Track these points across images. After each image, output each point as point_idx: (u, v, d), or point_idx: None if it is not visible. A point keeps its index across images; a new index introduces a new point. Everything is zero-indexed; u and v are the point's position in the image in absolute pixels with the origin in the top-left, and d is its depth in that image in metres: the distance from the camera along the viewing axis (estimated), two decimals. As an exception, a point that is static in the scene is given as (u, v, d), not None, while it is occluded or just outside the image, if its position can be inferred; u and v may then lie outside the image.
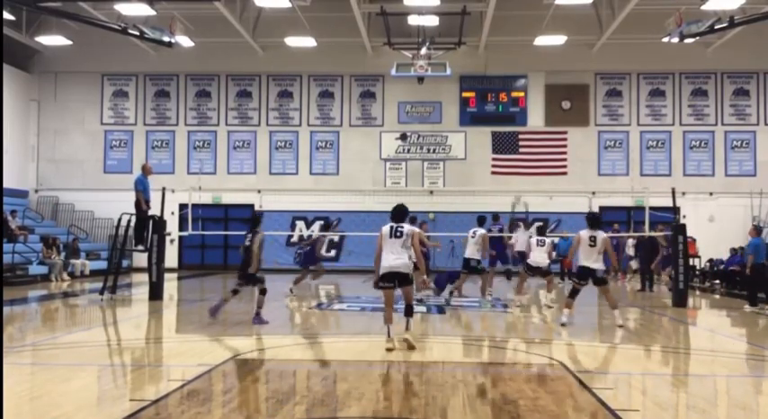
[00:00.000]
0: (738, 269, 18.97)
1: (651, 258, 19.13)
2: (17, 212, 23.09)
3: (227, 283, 21.99)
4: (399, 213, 9.50)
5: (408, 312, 9.49)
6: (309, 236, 18.99)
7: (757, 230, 15.58)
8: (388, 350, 8.86)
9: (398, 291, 9.51)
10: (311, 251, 16.79)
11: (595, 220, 11.72)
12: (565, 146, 26.28)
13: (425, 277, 11.03)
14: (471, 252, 14.56)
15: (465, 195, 24.96)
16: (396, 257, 9.09)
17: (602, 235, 11.55)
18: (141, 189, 15.73)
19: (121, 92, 27.24)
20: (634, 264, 21.97)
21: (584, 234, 11.52)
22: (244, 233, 12.42)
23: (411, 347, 9.00)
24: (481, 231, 14.68)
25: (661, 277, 20.99)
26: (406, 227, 9.34)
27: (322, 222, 25.83)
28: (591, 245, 11.41)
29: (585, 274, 11.49)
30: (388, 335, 9.10)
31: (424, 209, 25.97)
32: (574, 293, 11.66)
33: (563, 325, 11.37)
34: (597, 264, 11.42)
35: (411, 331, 9.41)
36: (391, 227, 9.28)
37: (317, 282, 18.49)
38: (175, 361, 8.64)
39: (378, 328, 11.28)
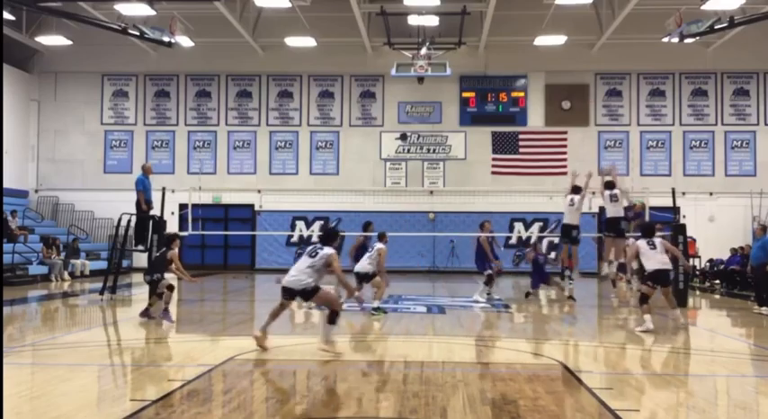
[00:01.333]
0: (739, 269, 18.98)
1: None
2: (17, 213, 23.09)
3: (226, 283, 22.02)
4: (327, 237, 9.35)
5: (330, 319, 8.84)
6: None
7: (764, 229, 15.23)
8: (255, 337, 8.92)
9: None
10: None
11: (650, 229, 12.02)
12: (565, 146, 26.28)
13: (357, 293, 10.26)
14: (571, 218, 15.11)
15: (465, 195, 24.97)
16: (294, 274, 8.91)
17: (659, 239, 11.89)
18: (141, 189, 15.72)
19: (121, 92, 27.25)
20: (634, 264, 21.90)
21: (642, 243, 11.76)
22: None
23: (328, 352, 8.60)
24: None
25: None
26: (325, 250, 9.00)
27: (322, 222, 25.93)
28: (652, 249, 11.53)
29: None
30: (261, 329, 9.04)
31: (424, 209, 26.04)
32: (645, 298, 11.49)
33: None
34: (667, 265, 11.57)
35: (329, 341, 8.79)
36: (313, 246, 9.23)
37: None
38: (175, 361, 8.65)
39: (377, 328, 11.29)
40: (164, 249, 12.72)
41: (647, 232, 11.88)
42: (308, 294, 8.93)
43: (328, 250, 9.07)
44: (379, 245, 13.25)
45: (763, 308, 14.27)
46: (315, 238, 26.10)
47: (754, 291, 15.18)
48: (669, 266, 11.52)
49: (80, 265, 22.42)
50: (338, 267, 8.98)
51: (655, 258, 11.47)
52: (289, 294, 8.99)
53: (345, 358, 8.67)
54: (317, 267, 8.91)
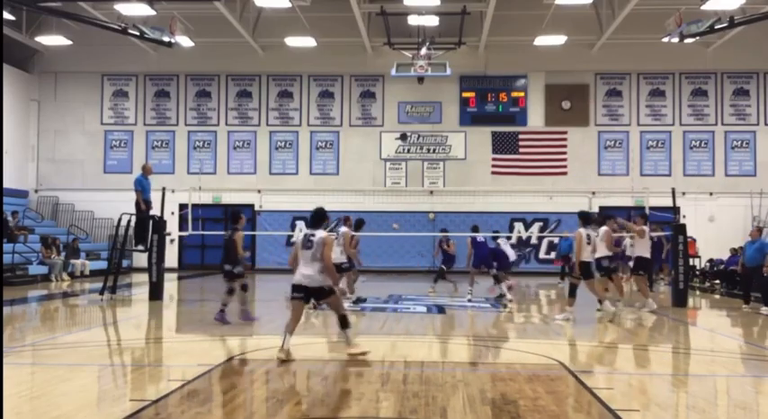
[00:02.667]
0: (739, 269, 18.93)
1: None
2: (18, 213, 23.07)
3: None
4: (315, 217, 8.78)
5: (342, 324, 8.59)
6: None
7: (760, 231, 15.73)
8: (280, 360, 8.16)
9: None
10: None
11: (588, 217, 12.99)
12: (565, 146, 26.27)
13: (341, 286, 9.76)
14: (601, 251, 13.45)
15: (465, 195, 24.97)
16: (306, 272, 8.44)
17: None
18: (139, 189, 15.75)
19: (121, 92, 27.24)
20: (631, 264, 21.80)
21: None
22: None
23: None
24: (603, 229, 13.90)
25: (661, 277, 21.09)
26: (317, 236, 8.51)
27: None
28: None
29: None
30: (282, 346, 8.30)
31: (424, 209, 26.03)
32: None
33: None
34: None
35: (353, 344, 8.57)
36: (304, 236, 8.62)
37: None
38: (175, 361, 8.64)
39: (377, 328, 11.29)
40: (229, 232, 11.83)
41: (587, 221, 12.76)
42: (323, 294, 8.51)
43: (321, 234, 8.55)
44: (343, 229, 13.18)
45: (749, 305, 14.68)
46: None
47: (742, 290, 15.50)
48: (591, 259, 12.47)
49: (80, 265, 22.41)
50: (329, 254, 8.42)
51: (586, 250, 12.43)
52: (302, 292, 8.48)
53: (345, 358, 8.67)
54: (319, 256, 8.42)
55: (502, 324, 12.53)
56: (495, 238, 16.69)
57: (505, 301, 15.04)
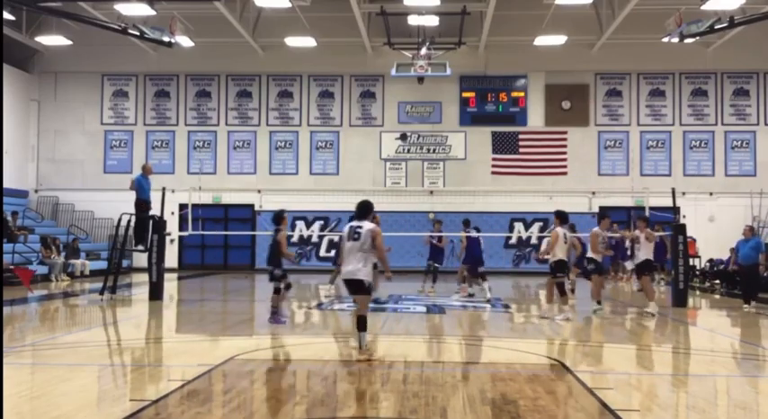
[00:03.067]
0: (732, 267, 18.98)
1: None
2: (18, 214, 23.06)
3: (227, 283, 22.02)
4: (361, 209, 8.68)
5: (359, 325, 8.46)
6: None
7: (752, 230, 15.98)
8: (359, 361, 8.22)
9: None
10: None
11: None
12: (565, 146, 26.27)
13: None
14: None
15: (465, 195, 24.95)
16: (351, 267, 8.45)
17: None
18: (136, 187, 15.84)
19: (121, 92, 27.24)
20: (629, 265, 21.70)
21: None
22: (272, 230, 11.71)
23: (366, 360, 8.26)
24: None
25: (661, 277, 21.10)
26: (365, 228, 8.47)
27: (322, 222, 25.98)
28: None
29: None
30: (360, 346, 8.39)
31: (424, 209, 26.01)
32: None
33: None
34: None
35: (365, 348, 8.43)
36: (350, 228, 8.60)
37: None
38: (175, 361, 8.64)
39: (377, 328, 11.28)
40: (273, 233, 11.80)
41: (564, 220, 13.07)
42: (360, 289, 8.46)
43: (368, 225, 8.50)
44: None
45: (750, 305, 14.72)
46: (315, 238, 26.17)
47: (742, 290, 15.64)
48: (554, 258, 12.63)
49: (80, 265, 22.41)
50: (380, 242, 8.39)
51: (562, 249, 12.73)
52: (354, 287, 8.48)
53: (345, 358, 8.67)
54: (366, 247, 8.37)
55: (502, 324, 12.53)
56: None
57: (483, 300, 14.99)
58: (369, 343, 8.57)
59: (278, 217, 11.81)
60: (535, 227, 25.74)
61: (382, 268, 9.13)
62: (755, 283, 15.39)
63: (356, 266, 8.36)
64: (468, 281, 16.26)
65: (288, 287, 11.57)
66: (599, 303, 13.37)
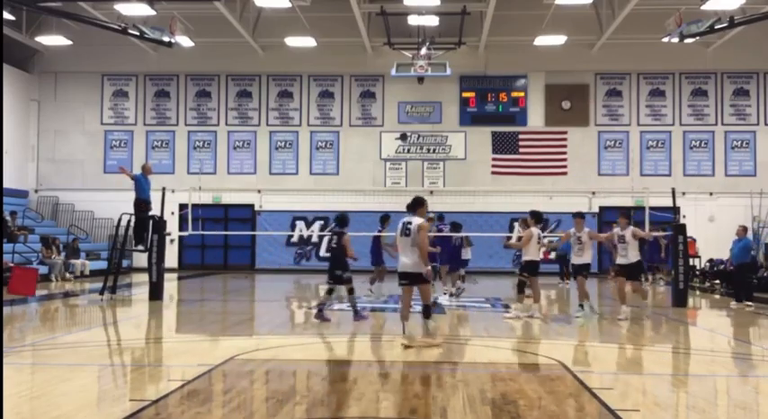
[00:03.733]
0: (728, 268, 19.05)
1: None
2: (16, 213, 23.05)
3: (227, 283, 22.02)
4: (413, 204, 9.39)
5: (425, 313, 9.42)
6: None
7: (745, 230, 16.16)
8: (404, 346, 8.99)
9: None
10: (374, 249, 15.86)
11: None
12: (565, 146, 26.27)
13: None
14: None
15: (465, 195, 24.93)
16: (407, 260, 9.18)
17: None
18: (135, 186, 15.87)
19: (121, 92, 27.24)
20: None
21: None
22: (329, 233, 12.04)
23: (407, 347, 9.00)
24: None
25: (661, 276, 21.14)
26: (414, 223, 9.15)
27: (321, 222, 25.99)
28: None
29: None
30: (404, 333, 9.26)
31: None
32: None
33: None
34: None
35: (428, 334, 9.28)
36: (402, 224, 9.30)
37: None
38: (175, 361, 8.64)
39: (378, 328, 11.28)
40: (336, 238, 11.85)
41: (539, 220, 12.99)
42: (420, 280, 9.15)
43: (417, 220, 9.16)
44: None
45: (737, 303, 14.89)
46: (315, 238, 26.15)
47: (733, 288, 15.87)
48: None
49: (80, 265, 22.40)
50: (424, 237, 9.04)
51: (534, 248, 12.59)
52: (407, 279, 9.19)
53: (345, 358, 8.68)
54: (417, 242, 8.99)
55: (502, 324, 12.52)
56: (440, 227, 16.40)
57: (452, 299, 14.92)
58: (433, 327, 9.45)
59: (342, 220, 11.98)
60: (535, 227, 25.67)
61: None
62: (744, 282, 15.59)
63: (413, 259, 9.07)
64: (444, 280, 15.97)
65: (351, 291, 11.80)
66: (581, 306, 12.87)
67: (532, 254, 12.48)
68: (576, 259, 13.08)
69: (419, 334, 9.44)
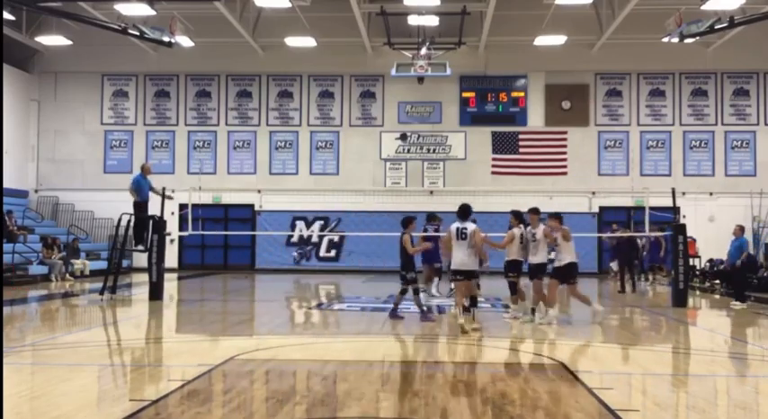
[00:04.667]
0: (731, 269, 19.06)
1: (630, 258, 19.17)
2: (13, 213, 22.93)
3: (227, 283, 22.02)
4: (462, 211, 10.94)
5: (472, 302, 11.65)
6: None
7: (742, 230, 16.38)
8: (462, 329, 10.39)
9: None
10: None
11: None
12: (565, 146, 26.26)
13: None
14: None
15: (465, 195, 24.82)
16: (464, 261, 10.82)
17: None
18: (135, 188, 15.85)
19: (121, 92, 27.24)
20: (614, 266, 21.50)
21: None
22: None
23: (464, 332, 10.34)
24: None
25: (656, 276, 21.22)
26: (469, 228, 10.73)
27: (322, 222, 26.00)
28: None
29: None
30: (462, 320, 10.61)
31: (424, 209, 25.93)
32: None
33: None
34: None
35: (470, 317, 11.26)
36: (457, 229, 10.78)
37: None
38: (175, 361, 8.65)
39: (377, 328, 11.29)
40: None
41: (521, 220, 12.28)
42: (473, 276, 11.12)
43: (471, 226, 10.79)
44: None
45: (737, 303, 14.88)
46: (315, 238, 26.14)
47: (733, 288, 15.89)
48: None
49: (80, 265, 22.41)
50: (479, 239, 10.86)
51: (515, 248, 12.13)
52: (462, 275, 10.82)
53: (345, 358, 8.68)
54: (473, 244, 10.69)
55: (502, 324, 12.51)
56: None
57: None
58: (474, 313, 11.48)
59: (406, 221, 12.52)
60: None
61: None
62: (739, 282, 15.66)
63: (470, 258, 10.82)
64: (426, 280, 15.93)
65: (417, 291, 12.18)
66: (532, 311, 12.08)
67: (515, 253, 12.29)
68: (532, 258, 12.11)
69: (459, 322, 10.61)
